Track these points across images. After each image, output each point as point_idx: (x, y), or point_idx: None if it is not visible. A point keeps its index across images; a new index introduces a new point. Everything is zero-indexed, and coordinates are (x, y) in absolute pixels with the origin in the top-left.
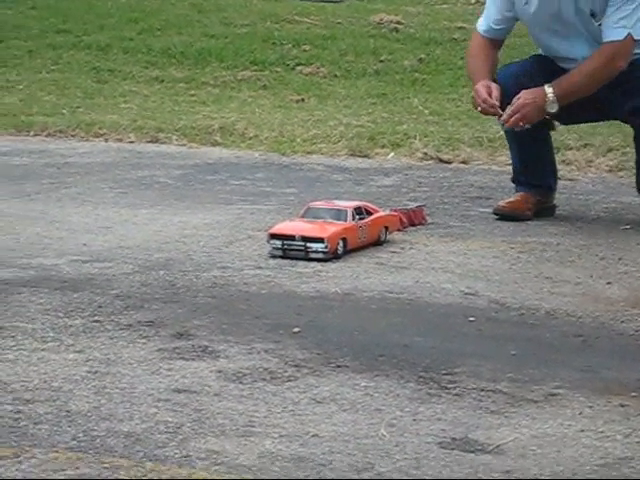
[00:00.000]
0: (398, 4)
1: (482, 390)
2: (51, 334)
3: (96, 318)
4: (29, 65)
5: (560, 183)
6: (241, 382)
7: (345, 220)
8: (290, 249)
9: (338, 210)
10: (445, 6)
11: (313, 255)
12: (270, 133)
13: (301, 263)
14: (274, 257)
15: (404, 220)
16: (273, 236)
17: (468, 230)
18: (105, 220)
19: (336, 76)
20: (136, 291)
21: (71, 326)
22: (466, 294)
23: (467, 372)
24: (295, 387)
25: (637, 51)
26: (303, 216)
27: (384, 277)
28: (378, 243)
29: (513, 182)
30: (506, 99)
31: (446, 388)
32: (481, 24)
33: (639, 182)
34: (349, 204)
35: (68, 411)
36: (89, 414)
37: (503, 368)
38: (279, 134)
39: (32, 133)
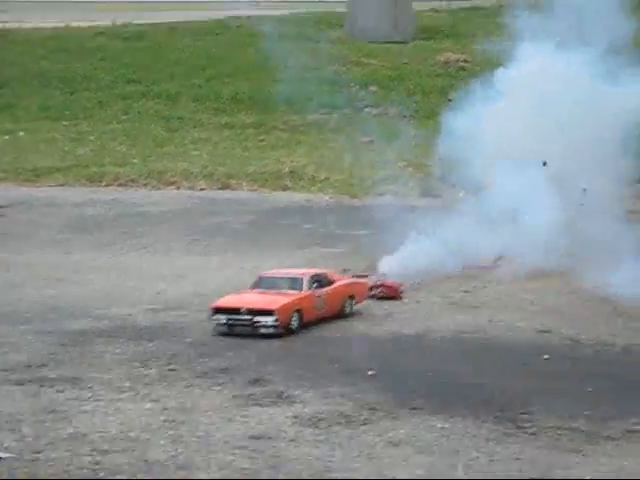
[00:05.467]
0: (464, 43)
1: (559, 428)
2: (127, 384)
3: (171, 367)
4: (99, 116)
5: None
6: (317, 427)
7: (300, 289)
8: (236, 324)
9: (293, 278)
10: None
11: (263, 330)
12: (340, 175)
13: (374, 305)
14: (219, 334)
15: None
16: (217, 310)
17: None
18: (178, 268)
19: (404, 116)
20: (210, 338)
21: (146, 375)
22: (540, 331)
23: (543, 410)
24: (370, 430)
25: None
26: (256, 287)
27: (457, 317)
28: (342, 315)
29: None
30: None
31: (522, 427)
32: None
33: None
34: (306, 271)
35: (146, 460)
36: (166, 463)
37: (579, 405)
38: (349, 176)
39: (104, 183)
